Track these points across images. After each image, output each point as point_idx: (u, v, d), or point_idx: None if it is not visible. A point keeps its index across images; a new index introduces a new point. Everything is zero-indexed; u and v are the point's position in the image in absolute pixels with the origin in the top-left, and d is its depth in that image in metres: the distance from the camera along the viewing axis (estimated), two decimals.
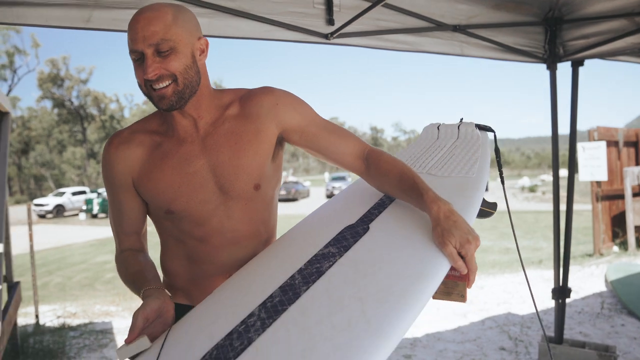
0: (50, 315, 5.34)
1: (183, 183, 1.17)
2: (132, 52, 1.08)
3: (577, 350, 3.07)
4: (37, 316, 5.05)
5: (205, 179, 1.18)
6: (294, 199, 27.67)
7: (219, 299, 1.09)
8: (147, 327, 1.02)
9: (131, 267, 1.19)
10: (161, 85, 1.09)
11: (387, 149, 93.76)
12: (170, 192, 1.17)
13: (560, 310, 3.17)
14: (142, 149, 1.20)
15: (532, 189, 26.71)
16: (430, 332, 4.06)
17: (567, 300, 4.55)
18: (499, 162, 1.44)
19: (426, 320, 4.39)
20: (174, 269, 1.28)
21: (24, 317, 5.22)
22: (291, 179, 36.33)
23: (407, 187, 1.10)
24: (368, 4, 2.35)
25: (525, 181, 30.36)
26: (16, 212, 16.08)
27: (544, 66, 3.12)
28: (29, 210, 5.45)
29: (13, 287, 4.25)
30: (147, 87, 1.10)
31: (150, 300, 1.04)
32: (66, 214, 24.51)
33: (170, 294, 1.20)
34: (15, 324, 4.03)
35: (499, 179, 1.47)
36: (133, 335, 0.98)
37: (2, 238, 2.98)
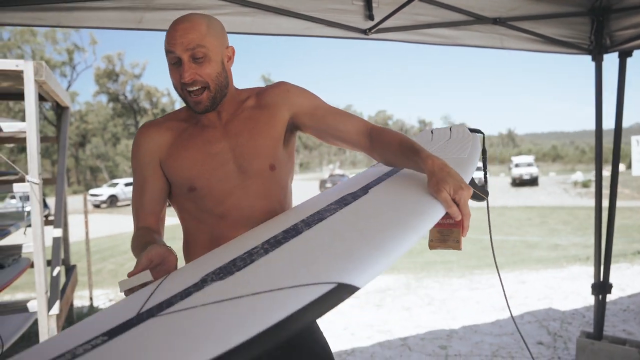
0: (103, 299, 5.68)
1: (205, 162, 1.30)
2: (170, 54, 1.23)
3: (617, 347, 3.02)
4: (91, 299, 5.40)
5: (225, 159, 1.31)
6: None
7: (224, 247, 1.18)
8: (150, 269, 1.09)
9: (144, 239, 1.27)
10: (194, 88, 1.24)
11: None
12: (194, 170, 1.30)
13: (600, 306, 3.12)
14: (170, 133, 1.35)
15: (585, 184, 25.71)
16: (467, 325, 4.07)
17: (613, 298, 4.47)
18: (484, 160, 1.53)
19: (464, 313, 4.40)
20: (196, 252, 1.35)
21: (80, 300, 5.57)
22: (337, 171, 36.37)
23: (406, 149, 1.19)
24: None
25: (579, 176, 29.22)
26: (73, 201, 16.94)
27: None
28: (85, 200, 5.80)
29: (70, 270, 4.58)
30: (182, 89, 1.25)
31: (156, 246, 1.13)
32: (119, 203, 25.59)
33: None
34: (72, 304, 4.34)
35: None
36: (136, 270, 1.07)
37: (61, 224, 3.22)
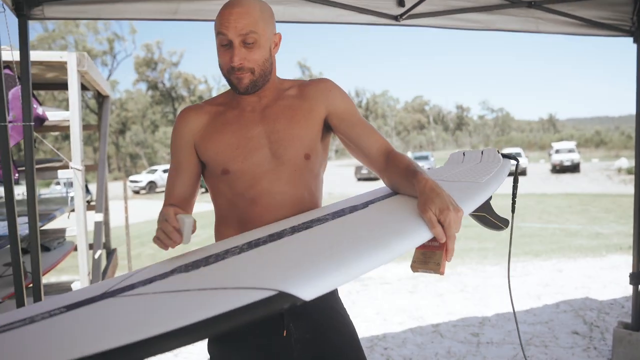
0: None
1: (240, 145, 1.33)
2: (221, 36, 1.26)
3: None
4: None
5: (260, 144, 1.34)
6: None
7: (216, 244, 1.25)
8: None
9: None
10: (241, 72, 1.27)
11: (473, 128, 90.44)
12: (229, 152, 1.33)
13: (638, 296, 3.05)
14: (207, 116, 1.39)
15: (630, 171, 24.75)
16: (501, 312, 4.05)
17: None
18: (514, 188, 1.51)
19: (497, 300, 4.37)
20: (226, 234, 1.39)
21: None
22: None
23: (408, 173, 1.19)
24: None
25: (623, 162, 28.11)
26: (114, 188, 17.46)
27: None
28: (124, 186, 6.02)
29: (111, 254, 4.78)
30: (228, 70, 1.28)
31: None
32: (158, 190, 26.23)
33: None
34: None
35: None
36: (175, 225, 1.13)
37: (102, 209, 3.36)
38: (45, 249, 3.34)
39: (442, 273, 0.99)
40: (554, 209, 12.41)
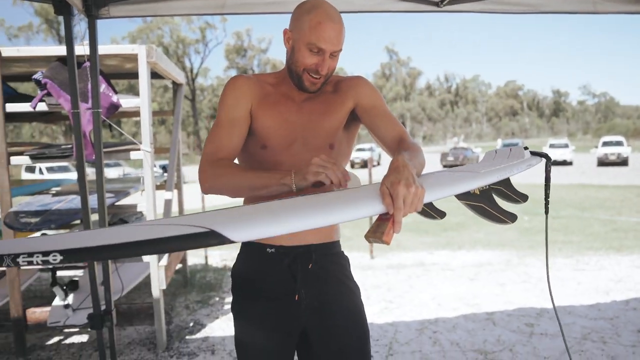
0: (217, 258, 6.30)
1: (280, 128, 1.47)
2: (314, 45, 1.38)
3: None
4: (206, 257, 6.04)
5: (294, 131, 1.48)
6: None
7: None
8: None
9: (243, 166, 1.46)
10: (319, 78, 1.42)
11: (572, 114, 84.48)
12: (271, 130, 1.47)
13: None
14: (262, 90, 1.51)
15: None
16: (562, 305, 3.92)
17: None
18: (547, 188, 1.51)
19: (560, 293, 4.22)
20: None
21: (196, 258, 6.23)
22: (462, 144, 35.15)
23: (397, 154, 1.23)
24: None
25: None
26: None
27: None
28: None
29: None
30: (308, 72, 1.42)
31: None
32: None
33: None
34: (185, 261, 4.91)
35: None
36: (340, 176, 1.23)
37: (172, 188, 3.68)
38: (124, 222, 3.74)
39: (387, 242, 1.04)
40: None
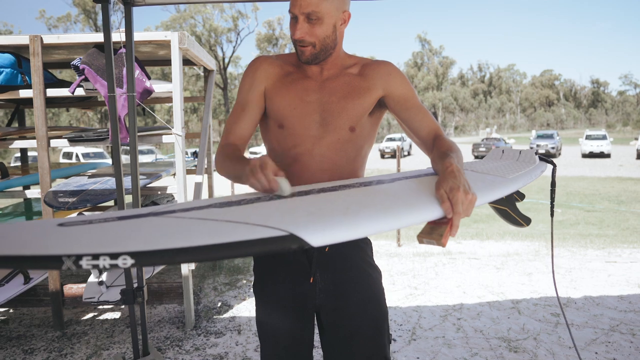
0: None
1: (297, 107, 1.48)
2: (290, 12, 1.43)
3: None
4: None
5: (313, 110, 1.48)
6: None
7: (251, 192, 1.32)
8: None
9: (237, 153, 1.41)
10: (303, 44, 1.43)
11: (611, 105, 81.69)
12: (288, 110, 1.49)
13: None
14: (280, 70, 1.54)
15: None
16: (590, 295, 3.87)
17: None
18: (552, 192, 1.57)
19: (589, 284, 4.16)
20: None
21: None
22: (494, 135, 34.55)
23: (443, 157, 1.26)
24: None
25: None
26: None
27: None
28: None
29: None
30: (293, 41, 1.46)
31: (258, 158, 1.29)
32: None
33: None
34: None
35: None
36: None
37: (202, 172, 3.77)
38: (155, 204, 3.86)
39: (443, 245, 1.07)
40: None
